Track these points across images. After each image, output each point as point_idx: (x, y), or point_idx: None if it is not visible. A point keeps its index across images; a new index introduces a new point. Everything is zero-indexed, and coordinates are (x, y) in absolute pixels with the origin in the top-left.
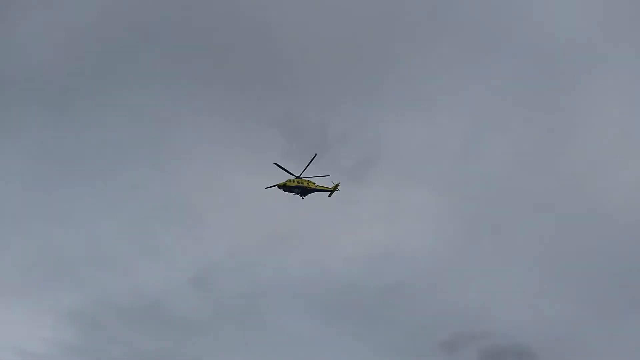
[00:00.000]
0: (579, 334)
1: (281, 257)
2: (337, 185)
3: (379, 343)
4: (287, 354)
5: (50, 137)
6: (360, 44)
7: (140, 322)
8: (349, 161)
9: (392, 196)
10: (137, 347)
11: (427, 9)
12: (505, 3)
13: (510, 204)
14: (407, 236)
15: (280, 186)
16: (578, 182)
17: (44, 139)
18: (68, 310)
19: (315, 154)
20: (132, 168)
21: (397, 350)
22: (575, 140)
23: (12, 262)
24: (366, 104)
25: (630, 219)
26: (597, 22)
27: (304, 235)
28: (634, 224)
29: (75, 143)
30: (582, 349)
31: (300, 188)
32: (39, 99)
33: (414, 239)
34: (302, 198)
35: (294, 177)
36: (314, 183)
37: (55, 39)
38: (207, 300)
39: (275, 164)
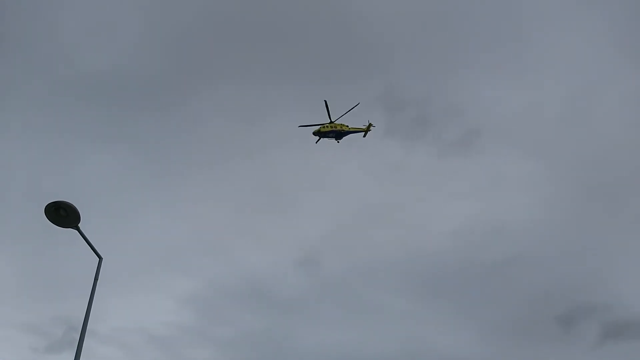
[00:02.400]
0: None
1: (381, 235)
2: (370, 125)
3: (489, 321)
4: (390, 333)
5: (149, 136)
6: (449, 12)
7: (248, 304)
8: (452, 134)
9: (496, 167)
10: (246, 326)
11: None
12: None
13: (627, 167)
14: (515, 208)
15: (316, 133)
16: None
17: (144, 138)
18: (184, 295)
19: (358, 103)
20: (227, 159)
21: (509, 327)
22: None
23: (133, 253)
24: (461, 72)
25: None
26: None
27: (403, 212)
28: None
29: (172, 139)
30: None
31: (334, 132)
32: (134, 100)
33: (523, 210)
34: (338, 142)
35: (328, 124)
36: (347, 126)
37: (149, 40)
38: (309, 281)
39: (300, 126)
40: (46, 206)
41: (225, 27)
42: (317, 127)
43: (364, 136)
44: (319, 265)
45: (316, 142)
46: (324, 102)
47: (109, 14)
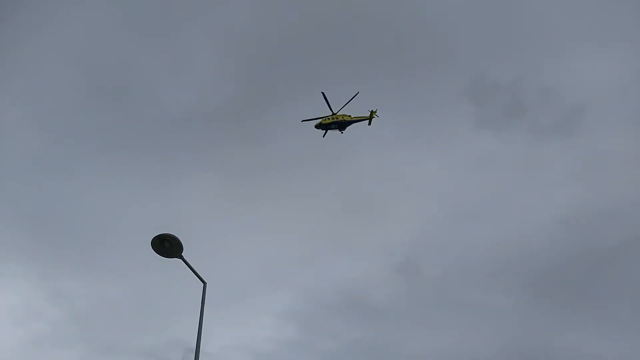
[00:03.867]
0: None
1: (478, 232)
2: (374, 112)
3: (603, 314)
4: (497, 334)
5: (233, 160)
6: None
7: (348, 314)
8: (548, 117)
9: (598, 147)
10: (348, 337)
11: None
12: None
13: None
14: (626, 188)
15: (317, 126)
16: None
17: (228, 163)
18: (284, 310)
19: (358, 92)
20: (308, 171)
21: (628, 320)
22: None
23: (232, 274)
24: (550, 49)
25: None
26: None
27: (499, 205)
28: None
29: (254, 161)
30: None
31: (336, 123)
32: (214, 129)
33: (628, 191)
34: (342, 132)
35: (330, 116)
36: (350, 116)
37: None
38: (406, 286)
39: (303, 120)
40: (152, 240)
41: (288, 48)
42: (318, 121)
43: (369, 124)
44: (414, 269)
45: (323, 136)
46: (302, 121)
47: (182, 51)
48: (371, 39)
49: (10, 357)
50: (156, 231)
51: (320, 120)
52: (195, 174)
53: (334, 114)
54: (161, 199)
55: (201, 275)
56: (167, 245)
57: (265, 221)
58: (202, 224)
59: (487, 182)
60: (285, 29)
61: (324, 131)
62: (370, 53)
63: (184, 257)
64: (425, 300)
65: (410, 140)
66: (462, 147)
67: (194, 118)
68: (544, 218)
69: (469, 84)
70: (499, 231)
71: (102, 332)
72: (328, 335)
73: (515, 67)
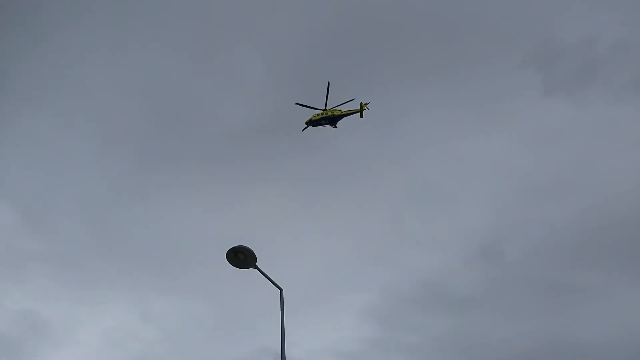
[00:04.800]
0: None
1: (560, 208)
2: (364, 104)
3: None
4: (598, 317)
5: (294, 164)
6: None
7: (428, 306)
8: (623, 75)
9: None
10: (431, 330)
11: None
12: None
13: None
14: None
15: (308, 123)
16: None
17: (291, 167)
18: (363, 309)
19: (329, 82)
20: (368, 168)
21: None
22: None
23: (308, 278)
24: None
25: None
26: None
27: (573, 176)
28: None
29: (317, 164)
30: None
31: (327, 119)
32: (270, 141)
33: None
34: (334, 127)
35: (321, 112)
36: (340, 110)
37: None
38: (488, 272)
39: (296, 104)
40: (227, 253)
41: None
42: (309, 118)
43: (361, 117)
44: (495, 253)
45: (303, 130)
46: (297, 104)
47: (229, 69)
48: (415, 7)
49: None
50: (230, 244)
51: (310, 117)
52: (260, 185)
53: (324, 109)
54: (232, 212)
55: (277, 282)
56: (241, 257)
57: (333, 223)
58: (272, 232)
59: (563, 152)
60: (323, 33)
61: (306, 127)
62: (414, 23)
63: (259, 267)
64: (511, 284)
65: (470, 119)
66: (532, 118)
67: (251, 131)
68: (629, 184)
69: (531, 49)
70: (583, 202)
71: (193, 347)
72: (411, 330)
73: (580, 24)
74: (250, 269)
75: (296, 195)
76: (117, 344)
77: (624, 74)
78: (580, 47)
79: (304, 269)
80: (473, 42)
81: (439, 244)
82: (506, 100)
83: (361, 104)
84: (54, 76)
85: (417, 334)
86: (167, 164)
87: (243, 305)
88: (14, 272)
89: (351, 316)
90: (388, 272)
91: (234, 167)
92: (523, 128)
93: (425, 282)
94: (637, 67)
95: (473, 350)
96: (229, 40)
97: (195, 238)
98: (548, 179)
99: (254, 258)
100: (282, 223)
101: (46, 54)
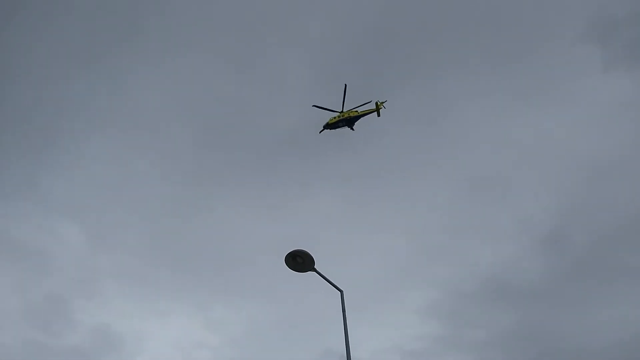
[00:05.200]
0: None
1: (623, 187)
2: (381, 103)
3: None
4: None
5: (343, 164)
6: None
7: (491, 301)
8: None
9: None
10: (497, 325)
11: None
12: None
13: None
14: None
15: (325, 126)
16: None
17: (340, 167)
18: (425, 306)
19: (346, 85)
20: (417, 163)
21: None
22: None
23: (367, 277)
24: None
25: None
26: None
27: (634, 157)
28: None
29: (362, 160)
30: None
31: (344, 121)
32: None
33: None
34: (353, 129)
35: (337, 114)
36: (356, 111)
37: None
38: (554, 260)
39: (314, 106)
40: (285, 257)
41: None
42: (326, 121)
43: (378, 115)
44: (561, 240)
45: (320, 132)
46: (315, 107)
47: (269, 74)
48: None
49: None
50: (287, 248)
51: (328, 121)
52: (312, 187)
53: (341, 112)
54: (287, 216)
55: (336, 284)
56: (299, 261)
57: (389, 221)
58: (328, 234)
59: (627, 130)
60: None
61: (322, 129)
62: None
63: (317, 270)
64: (579, 272)
65: (524, 103)
66: (591, 96)
67: (299, 134)
68: None
69: (586, 23)
70: None
71: (258, 353)
72: (475, 326)
73: None
74: (309, 272)
75: (349, 194)
76: (185, 352)
77: None
78: (637, 18)
79: (363, 269)
80: (523, 24)
81: (499, 234)
82: (563, 80)
83: (377, 103)
84: (107, 96)
85: (482, 330)
86: (221, 174)
87: (304, 309)
88: (86, 289)
89: (413, 314)
90: (448, 267)
91: (284, 172)
92: (582, 107)
93: (487, 275)
94: None
95: (542, 344)
96: (264, 46)
97: (253, 244)
98: (612, 158)
99: (312, 261)
100: (337, 224)
101: (98, 72)
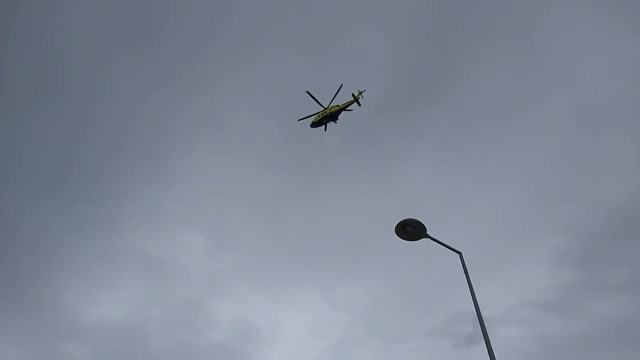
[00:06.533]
0: None
1: None
2: (359, 93)
3: None
4: None
5: (444, 124)
6: None
7: (627, 237)
8: None
9: None
10: (637, 259)
11: None
12: None
13: None
14: None
15: (314, 124)
16: None
17: (441, 127)
18: (553, 254)
19: (342, 85)
20: (531, 99)
21: None
22: None
23: (486, 230)
24: None
25: None
26: None
27: None
28: None
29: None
30: None
31: (328, 117)
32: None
33: None
34: (335, 122)
35: (322, 110)
36: (337, 105)
37: None
38: None
39: (307, 92)
40: (395, 228)
41: None
42: (312, 119)
43: (359, 105)
44: None
45: (325, 130)
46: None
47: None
48: None
49: None
50: (396, 219)
51: (314, 119)
52: (410, 154)
53: (324, 108)
54: (390, 188)
55: (453, 247)
56: (410, 230)
57: (499, 171)
58: (434, 197)
59: None
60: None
61: (322, 126)
62: None
63: (430, 235)
64: None
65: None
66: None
67: (389, 101)
68: None
69: None
70: None
71: (386, 326)
72: (615, 265)
73: None
74: (423, 239)
75: (449, 153)
76: (317, 335)
77: None
78: None
79: (480, 227)
80: None
81: (623, 162)
82: None
83: (353, 94)
84: (199, 111)
85: (623, 269)
86: (319, 160)
87: (424, 276)
88: (218, 289)
89: (542, 264)
90: (571, 208)
91: (380, 141)
92: None
93: (618, 210)
94: None
95: None
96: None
97: (363, 222)
98: None
99: (424, 228)
100: (441, 186)
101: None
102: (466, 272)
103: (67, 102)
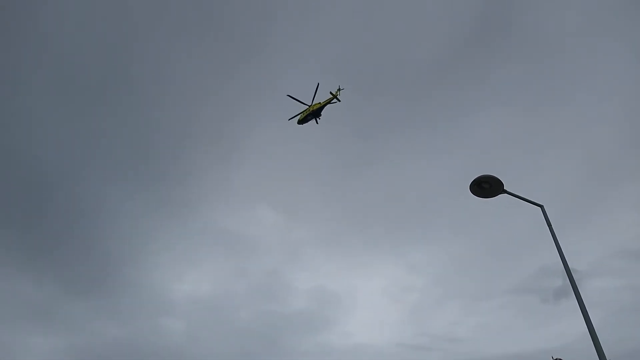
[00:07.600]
0: None
1: None
2: (338, 90)
3: None
4: None
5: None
6: None
7: None
8: None
9: None
10: None
11: None
12: None
13: None
14: None
15: (300, 122)
16: None
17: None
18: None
19: (318, 84)
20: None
21: None
22: None
23: (565, 181)
24: None
25: None
26: None
27: None
28: None
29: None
30: None
31: (312, 114)
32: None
33: None
34: (319, 118)
35: (306, 109)
36: (319, 102)
37: None
38: None
39: (288, 95)
40: (470, 186)
41: None
42: (297, 118)
43: (339, 100)
44: None
45: (317, 123)
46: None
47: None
48: None
49: (400, 327)
50: (469, 177)
51: (299, 118)
52: (478, 112)
53: (308, 106)
54: (458, 147)
55: (534, 200)
56: (486, 187)
57: (574, 120)
58: (505, 153)
59: None
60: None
61: (306, 122)
62: None
63: (508, 190)
64: None
65: None
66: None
67: (446, 61)
68: None
69: None
70: None
71: (466, 286)
72: None
73: None
74: (500, 195)
75: (520, 99)
76: (395, 298)
77: None
78: None
79: (561, 176)
80: None
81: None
82: None
83: (331, 92)
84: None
85: None
86: (382, 128)
87: (504, 233)
88: (294, 259)
89: (632, 210)
90: None
91: (442, 101)
92: None
93: None
94: None
95: None
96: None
97: (434, 184)
98: None
99: (501, 183)
100: (510, 141)
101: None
102: (550, 225)
103: (143, 93)
